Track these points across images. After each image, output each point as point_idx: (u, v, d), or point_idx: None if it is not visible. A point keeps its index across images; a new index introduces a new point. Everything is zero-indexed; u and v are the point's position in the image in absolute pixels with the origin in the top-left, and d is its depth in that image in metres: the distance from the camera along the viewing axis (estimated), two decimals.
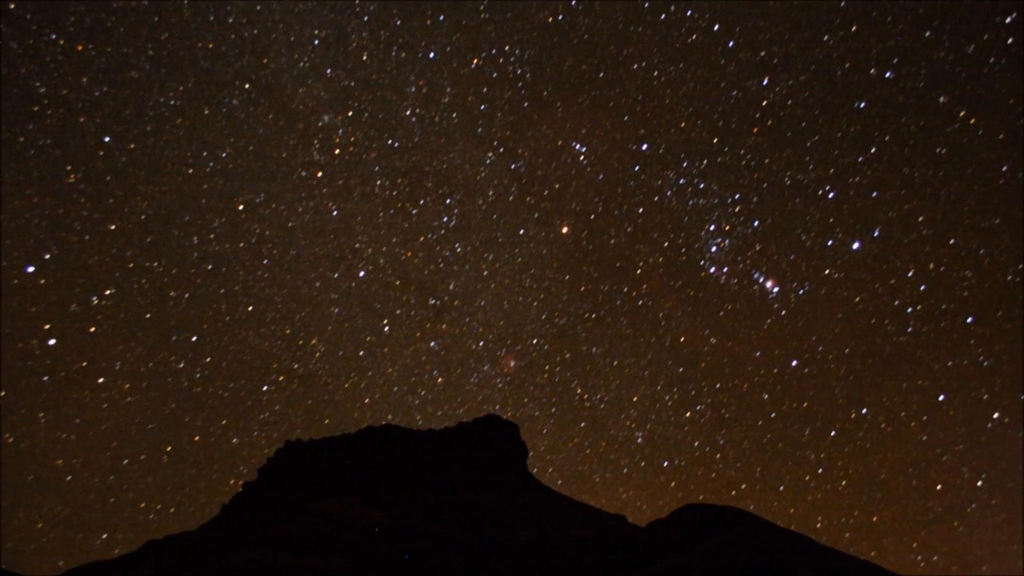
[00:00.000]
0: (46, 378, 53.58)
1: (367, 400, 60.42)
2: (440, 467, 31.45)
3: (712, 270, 55.97)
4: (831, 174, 49.43)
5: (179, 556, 15.32)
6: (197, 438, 58.28)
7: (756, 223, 53.94)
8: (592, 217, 59.97)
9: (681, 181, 56.31)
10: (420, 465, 32.34)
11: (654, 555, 12.31)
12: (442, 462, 31.86)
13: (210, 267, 59.66)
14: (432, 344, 61.27)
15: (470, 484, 29.47)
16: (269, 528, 16.43)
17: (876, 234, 46.81)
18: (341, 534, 17.60)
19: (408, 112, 57.86)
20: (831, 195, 49.58)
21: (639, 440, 57.82)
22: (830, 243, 50.29)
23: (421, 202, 61.10)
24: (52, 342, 54.88)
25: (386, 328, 60.89)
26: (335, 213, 60.18)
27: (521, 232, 61.18)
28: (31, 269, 54.24)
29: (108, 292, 57.04)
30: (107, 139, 53.40)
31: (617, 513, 24.89)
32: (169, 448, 57.37)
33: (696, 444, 53.96)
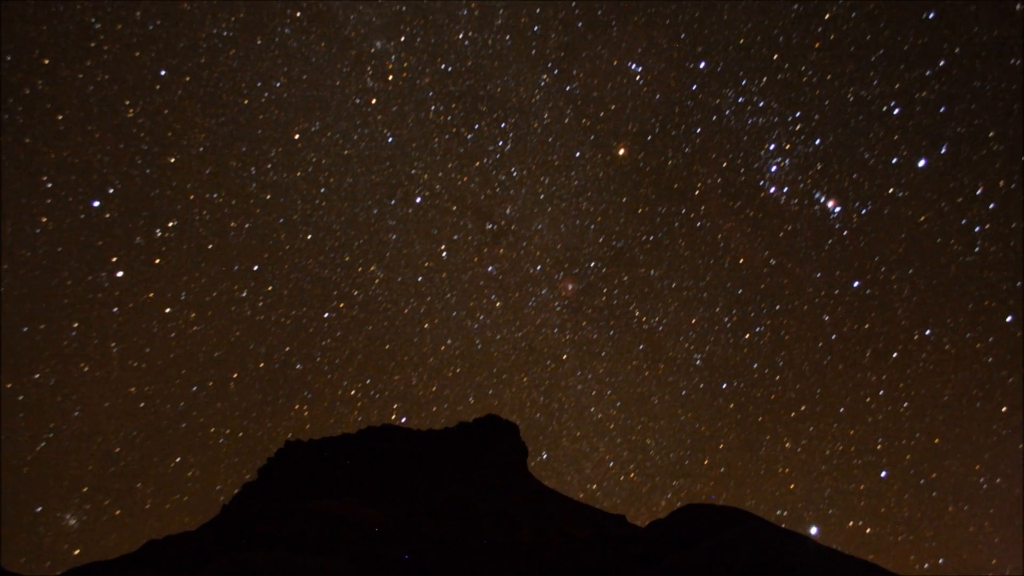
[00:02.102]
0: (116, 309, 54.83)
1: (426, 325, 60.93)
2: (440, 467, 31.46)
3: (772, 190, 54.73)
4: (896, 89, 47.86)
5: (179, 556, 15.31)
6: (262, 365, 59.18)
7: (817, 141, 52.74)
8: (649, 138, 58.88)
9: (740, 100, 54.82)
10: (420, 465, 32.34)
11: (654, 555, 12.30)
12: (442, 462, 31.87)
13: (268, 197, 60.38)
14: (490, 269, 61.52)
15: (470, 484, 29.46)
16: (269, 528, 16.44)
17: (943, 151, 44.99)
18: (341, 534, 17.60)
19: (460, 35, 57.06)
20: (896, 111, 47.97)
21: (697, 362, 57.74)
22: (894, 161, 49.04)
23: (476, 127, 60.84)
24: (120, 274, 56.12)
25: (443, 253, 61.33)
26: (390, 140, 60.53)
27: (577, 155, 60.67)
28: (96, 204, 55.29)
29: (171, 224, 58.08)
30: (163, 72, 54.18)
31: (617, 513, 24.91)
32: (235, 375, 58.45)
33: (755, 366, 53.22)
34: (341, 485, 29.76)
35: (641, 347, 60.48)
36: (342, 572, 13.38)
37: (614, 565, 12.81)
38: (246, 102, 58.54)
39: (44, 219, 55.98)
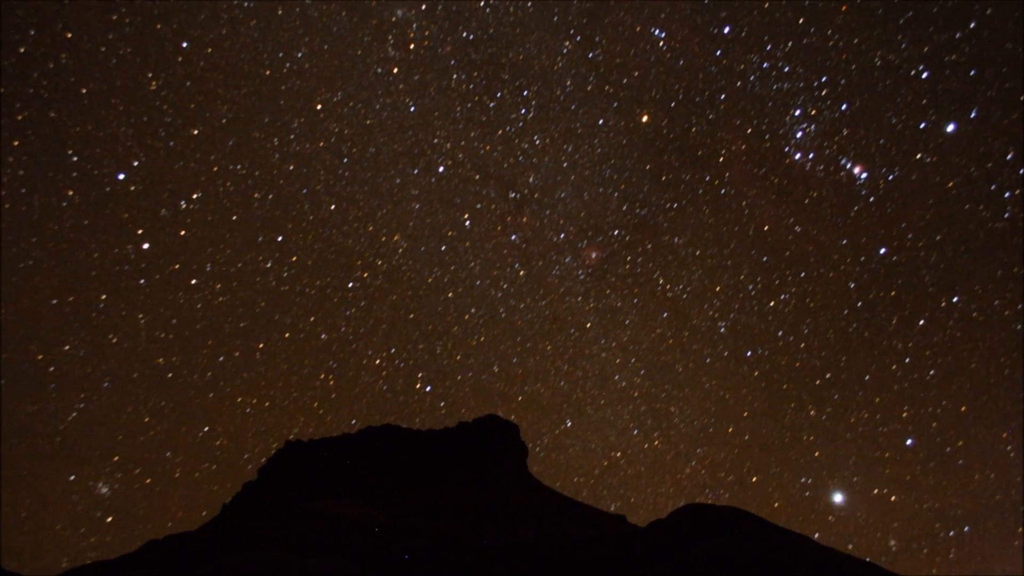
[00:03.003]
0: (143, 281, 55.11)
1: (450, 294, 60.81)
2: (440, 467, 31.47)
3: (797, 156, 54.06)
4: (925, 52, 46.82)
5: (179, 556, 15.31)
6: (287, 335, 59.25)
7: (844, 107, 51.88)
8: (673, 105, 58.15)
9: (765, 65, 54.11)
10: (420, 465, 32.35)
11: (654, 555, 12.30)
12: (442, 462, 31.87)
13: (291, 168, 60.33)
14: (513, 237, 61.29)
15: (470, 484, 29.45)
16: (269, 528, 16.45)
17: (973, 115, 43.92)
18: (341, 534, 17.60)
19: (482, 3, 56.71)
20: (925, 75, 46.91)
21: (722, 330, 56.96)
22: (923, 126, 48.03)
23: (498, 95, 60.27)
24: (146, 246, 56.47)
25: (467, 222, 61.02)
26: (412, 109, 60.10)
27: (600, 122, 60.00)
28: (121, 176, 55.48)
29: (195, 196, 58.31)
30: (184, 44, 54.15)
31: (617, 513, 24.91)
32: (261, 345, 58.72)
33: (780, 334, 53.06)
34: (341, 485, 29.74)
35: (665, 315, 59.49)
36: (342, 572, 13.38)
37: (614, 565, 12.81)
38: (268, 73, 58.22)
39: (71, 192, 56.01)
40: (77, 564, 18.51)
